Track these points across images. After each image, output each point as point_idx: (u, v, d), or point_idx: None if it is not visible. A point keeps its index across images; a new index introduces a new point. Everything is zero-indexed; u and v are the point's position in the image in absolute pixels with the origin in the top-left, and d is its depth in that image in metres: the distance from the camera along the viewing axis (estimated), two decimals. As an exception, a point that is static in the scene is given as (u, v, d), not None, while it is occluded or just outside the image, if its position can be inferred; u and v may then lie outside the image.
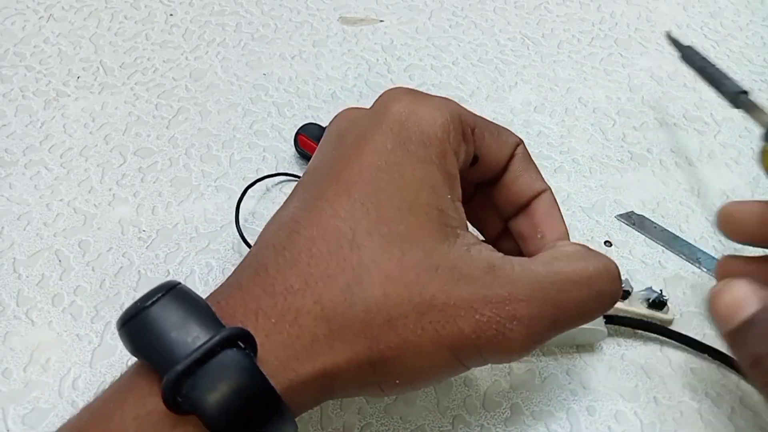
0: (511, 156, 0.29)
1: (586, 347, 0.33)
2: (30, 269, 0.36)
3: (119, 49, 0.50)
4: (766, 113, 0.33)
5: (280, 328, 0.22)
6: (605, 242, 0.38)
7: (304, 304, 0.23)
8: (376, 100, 0.27)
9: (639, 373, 0.32)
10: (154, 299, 0.22)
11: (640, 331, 0.33)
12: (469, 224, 0.28)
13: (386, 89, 0.28)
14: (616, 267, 0.26)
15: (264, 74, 0.49)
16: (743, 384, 0.32)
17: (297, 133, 0.42)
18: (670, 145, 0.44)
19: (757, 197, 0.41)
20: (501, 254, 0.25)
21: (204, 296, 0.23)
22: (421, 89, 0.47)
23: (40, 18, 0.53)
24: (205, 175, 0.41)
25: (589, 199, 0.41)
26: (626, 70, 0.50)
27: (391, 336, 0.23)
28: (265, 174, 0.41)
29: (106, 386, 0.22)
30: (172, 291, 0.22)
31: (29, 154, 0.43)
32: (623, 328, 0.33)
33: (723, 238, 0.38)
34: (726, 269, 0.31)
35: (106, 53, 0.50)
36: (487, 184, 0.30)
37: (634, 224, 0.39)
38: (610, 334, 0.33)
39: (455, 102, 0.27)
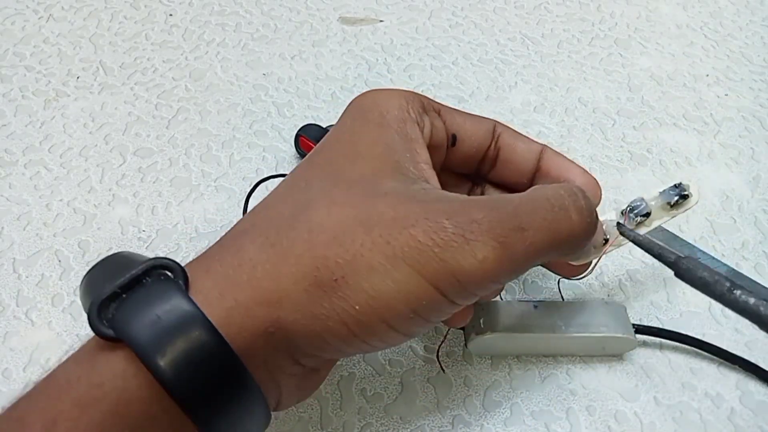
0: (495, 134, 0.30)
1: (615, 357, 0.33)
2: (30, 269, 0.36)
3: (119, 49, 0.50)
4: None
5: (222, 261, 0.22)
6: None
7: (251, 238, 0.23)
8: None
9: (639, 373, 0.32)
10: (101, 260, 0.24)
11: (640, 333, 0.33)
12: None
13: None
14: (580, 188, 0.25)
15: (264, 74, 0.49)
16: (743, 384, 0.32)
17: (298, 134, 0.42)
18: (669, 145, 0.44)
19: (757, 197, 0.41)
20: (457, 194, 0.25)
21: None
22: (420, 89, 0.47)
23: (39, 18, 0.53)
24: (205, 175, 0.41)
25: (589, 199, 0.41)
26: (626, 70, 0.50)
27: (339, 251, 0.22)
28: (266, 175, 0.41)
29: None
30: (119, 253, 0.24)
31: (29, 154, 0.43)
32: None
33: (723, 238, 0.38)
34: None
35: (105, 53, 0.50)
36: (488, 172, 0.30)
37: (634, 224, 0.39)
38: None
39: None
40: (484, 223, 0.22)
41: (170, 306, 0.20)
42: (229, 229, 0.25)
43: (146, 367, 0.20)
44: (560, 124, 0.45)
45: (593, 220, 0.25)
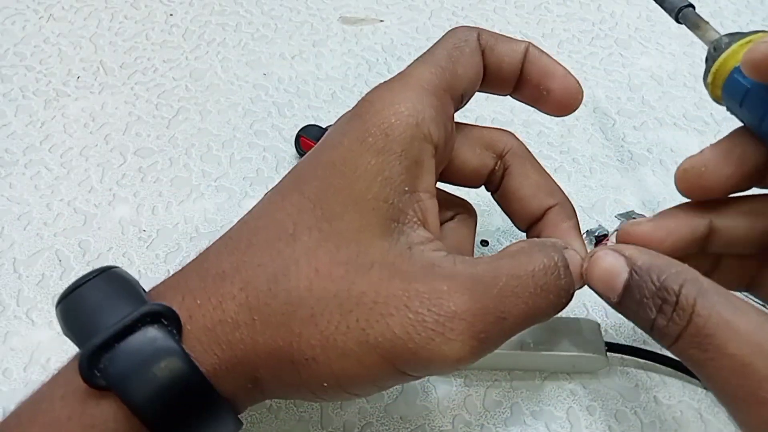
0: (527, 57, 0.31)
1: (587, 374, 0.32)
2: (30, 269, 0.36)
3: (119, 49, 0.50)
4: (711, 29, 0.29)
5: (204, 310, 0.22)
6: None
7: (231, 289, 0.23)
8: None
9: (639, 373, 0.32)
10: (86, 280, 0.23)
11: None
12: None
13: None
14: (564, 261, 0.24)
15: (264, 74, 0.49)
16: (743, 384, 0.32)
17: (298, 135, 0.42)
18: (670, 145, 0.44)
19: (757, 197, 0.41)
20: (445, 252, 0.24)
21: None
22: (421, 89, 0.47)
23: (40, 18, 0.53)
24: (206, 175, 0.41)
25: (589, 199, 0.41)
26: (626, 70, 0.50)
27: (314, 332, 0.22)
28: (266, 174, 0.41)
29: None
30: (105, 272, 0.23)
31: (29, 154, 0.43)
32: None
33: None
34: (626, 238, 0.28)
35: (106, 53, 0.50)
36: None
37: (634, 224, 0.39)
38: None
39: (439, 70, 0.26)
40: (466, 318, 0.22)
41: (164, 358, 0.21)
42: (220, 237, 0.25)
43: (140, 420, 0.21)
44: (560, 124, 0.45)
45: (569, 298, 0.24)
